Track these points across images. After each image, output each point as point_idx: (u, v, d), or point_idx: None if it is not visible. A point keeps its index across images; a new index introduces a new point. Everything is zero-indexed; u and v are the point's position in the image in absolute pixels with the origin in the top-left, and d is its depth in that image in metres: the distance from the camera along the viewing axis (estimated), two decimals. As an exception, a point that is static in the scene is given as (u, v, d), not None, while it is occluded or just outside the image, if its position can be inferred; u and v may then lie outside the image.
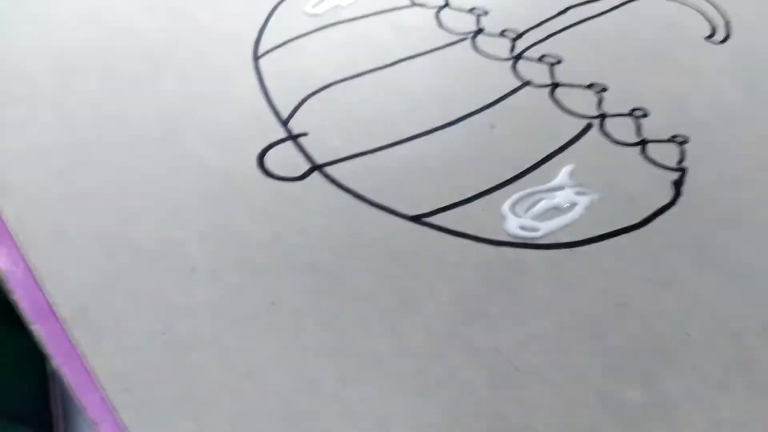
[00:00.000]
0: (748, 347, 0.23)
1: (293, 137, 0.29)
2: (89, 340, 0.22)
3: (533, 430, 0.21)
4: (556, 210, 0.27)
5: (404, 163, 0.28)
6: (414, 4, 0.36)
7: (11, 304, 0.23)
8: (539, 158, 0.29)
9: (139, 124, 0.29)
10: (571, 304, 0.24)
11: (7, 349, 0.26)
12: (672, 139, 0.30)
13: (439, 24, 0.35)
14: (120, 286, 0.23)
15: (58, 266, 0.24)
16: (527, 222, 0.26)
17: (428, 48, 0.34)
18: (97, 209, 0.25)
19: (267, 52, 0.33)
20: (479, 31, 0.35)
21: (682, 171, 0.29)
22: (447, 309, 0.24)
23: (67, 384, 0.20)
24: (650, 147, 0.30)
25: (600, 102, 0.32)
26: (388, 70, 0.33)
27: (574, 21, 0.36)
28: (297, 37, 0.34)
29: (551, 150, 0.29)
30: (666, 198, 0.28)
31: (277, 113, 0.30)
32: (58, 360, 0.21)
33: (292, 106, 0.30)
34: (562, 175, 0.28)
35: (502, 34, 0.35)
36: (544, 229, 0.26)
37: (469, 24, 0.35)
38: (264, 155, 0.28)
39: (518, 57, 0.34)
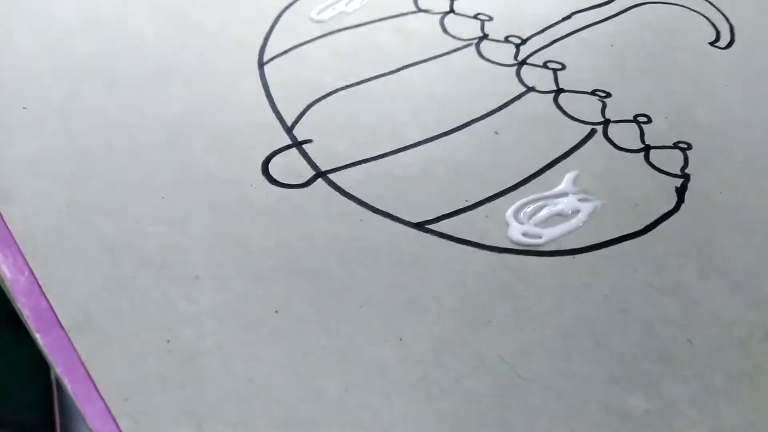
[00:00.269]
0: (752, 354, 0.23)
1: (298, 144, 0.29)
2: (92, 348, 0.22)
3: (536, 438, 0.21)
4: (560, 216, 0.27)
5: (408, 170, 0.29)
6: (419, 10, 0.37)
7: (15, 312, 0.23)
8: (543, 164, 0.29)
9: (144, 132, 0.29)
10: (574, 311, 0.24)
11: (10, 357, 0.26)
12: (675, 146, 0.30)
13: (444, 30, 0.35)
14: (124, 294, 0.23)
15: (62, 274, 0.24)
16: (530, 229, 0.26)
17: (433, 54, 0.34)
18: (102, 217, 0.26)
19: (272, 59, 0.33)
20: (484, 36, 0.35)
21: (686, 177, 0.29)
22: (451, 316, 0.24)
23: (69, 393, 0.21)
24: (654, 153, 0.30)
25: (603, 108, 0.32)
26: (392, 76, 0.33)
27: (579, 27, 0.36)
28: (302, 44, 0.34)
29: (555, 156, 0.29)
30: (669, 204, 0.28)
31: (281, 120, 0.30)
32: (61, 368, 0.21)
33: (297, 113, 0.31)
34: (566, 181, 0.28)
35: (507, 39, 0.35)
36: (547, 236, 0.26)
37: (473, 30, 0.36)
38: (269, 162, 0.28)
39: (522, 63, 0.34)
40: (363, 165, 0.29)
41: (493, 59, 0.34)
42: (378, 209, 0.27)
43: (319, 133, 0.30)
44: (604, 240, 0.26)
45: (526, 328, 0.23)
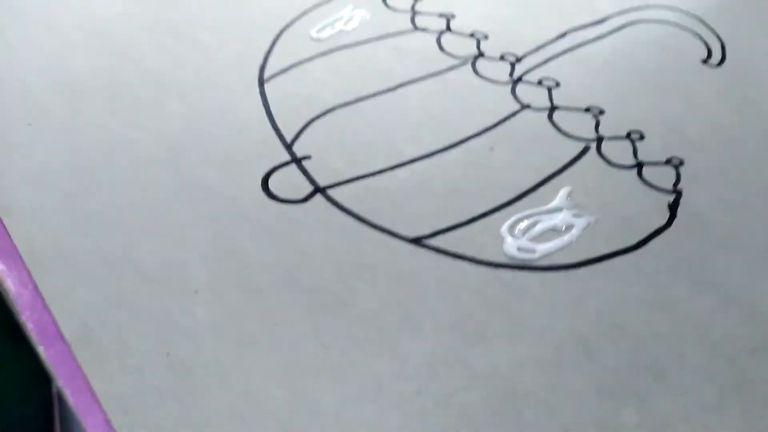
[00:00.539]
0: (743, 369, 0.23)
1: (297, 160, 0.30)
2: (93, 361, 0.22)
3: (530, 451, 0.21)
4: (554, 232, 0.27)
5: (405, 186, 0.29)
6: (416, 29, 0.37)
7: (16, 326, 0.24)
8: (537, 180, 0.30)
9: (144, 147, 0.29)
10: (568, 325, 0.24)
11: (11, 371, 0.26)
12: (668, 162, 0.31)
13: (441, 48, 0.36)
14: (124, 307, 0.24)
15: (64, 288, 0.24)
16: (525, 243, 0.27)
17: (429, 72, 0.35)
18: (103, 231, 0.26)
19: (272, 77, 0.34)
20: (479, 55, 0.36)
21: (678, 194, 0.29)
22: (446, 330, 0.24)
23: (71, 405, 0.21)
24: (646, 169, 0.30)
25: (597, 125, 0.32)
26: (390, 93, 0.33)
27: (573, 45, 0.37)
28: (301, 62, 0.35)
29: (549, 172, 0.30)
30: (662, 220, 0.28)
31: (281, 136, 0.31)
32: (63, 381, 0.22)
33: (297, 130, 0.31)
34: (560, 197, 0.29)
35: (502, 58, 0.36)
36: (540, 251, 0.27)
37: (469, 48, 0.36)
38: (268, 178, 0.29)
39: (518, 80, 0.35)
40: (361, 181, 0.29)
41: (488, 77, 0.35)
42: (375, 224, 0.27)
43: (318, 150, 0.30)
44: (597, 255, 0.27)
45: (520, 343, 0.24)
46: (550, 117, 0.33)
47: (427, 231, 0.27)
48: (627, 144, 0.32)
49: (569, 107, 0.33)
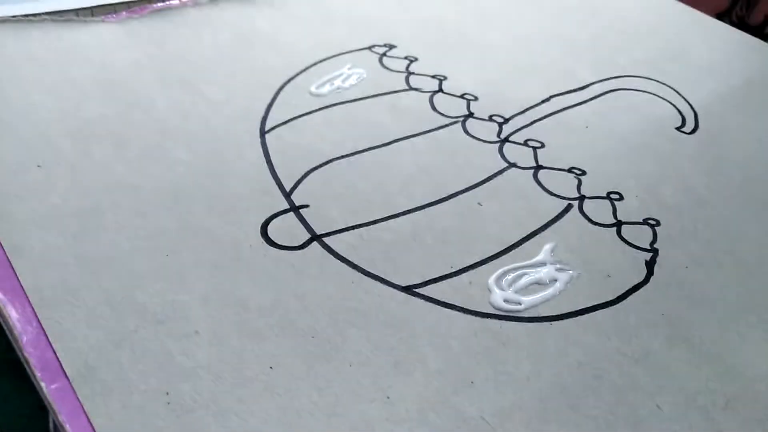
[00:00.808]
0: (715, 420, 0.24)
1: (295, 208, 0.31)
2: (94, 398, 0.23)
3: (515, 497, 0.22)
4: (539, 285, 0.29)
5: (398, 236, 0.30)
6: (410, 89, 0.39)
7: (14, 362, 0.24)
8: (523, 235, 0.31)
9: (150, 192, 0.31)
10: (551, 376, 0.25)
11: (12, 405, 0.27)
12: (645, 222, 0.33)
13: (433, 107, 0.38)
14: (126, 347, 0.25)
15: (68, 326, 0.25)
16: (511, 296, 0.28)
17: (422, 129, 0.37)
18: (107, 273, 0.27)
19: (273, 128, 0.35)
20: (469, 115, 0.38)
21: (655, 252, 0.31)
22: (435, 377, 0.25)
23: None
24: (625, 228, 0.32)
25: (579, 185, 0.34)
26: (384, 148, 0.35)
27: (557, 109, 0.39)
28: (301, 115, 0.36)
29: (534, 228, 0.32)
30: (640, 276, 0.30)
31: (281, 185, 0.32)
32: (64, 417, 0.22)
33: (296, 179, 0.33)
34: (544, 252, 0.30)
35: (491, 118, 0.38)
36: (526, 303, 0.28)
37: (460, 108, 0.38)
38: (267, 224, 0.30)
39: (505, 140, 0.37)
40: (356, 230, 0.30)
41: (477, 136, 0.37)
42: (369, 272, 0.29)
43: (316, 199, 0.32)
44: (579, 308, 0.28)
45: (506, 391, 0.25)
46: (535, 176, 0.35)
47: (418, 280, 0.28)
48: (607, 203, 0.33)
49: (553, 167, 0.35)
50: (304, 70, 0.39)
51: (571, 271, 0.30)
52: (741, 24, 0.54)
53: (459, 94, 0.39)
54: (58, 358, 0.24)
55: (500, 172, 0.35)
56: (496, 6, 0.48)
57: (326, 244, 0.30)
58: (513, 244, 0.31)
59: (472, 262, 0.30)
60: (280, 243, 0.29)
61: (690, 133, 0.39)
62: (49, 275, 0.26)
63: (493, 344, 0.26)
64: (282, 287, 0.27)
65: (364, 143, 0.35)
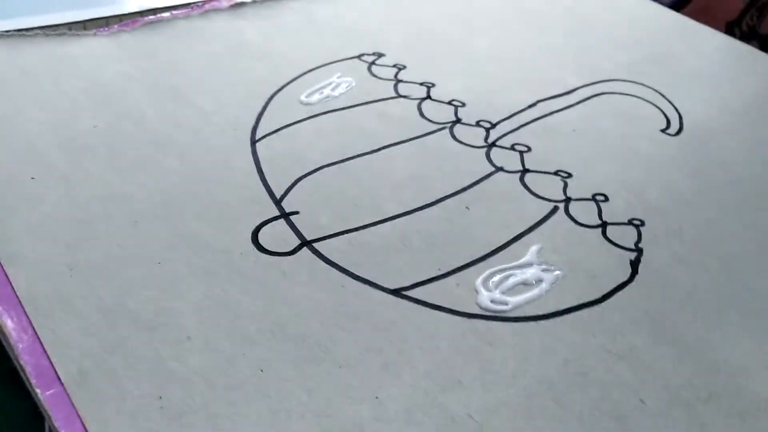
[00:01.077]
0: (699, 414, 0.25)
1: (286, 215, 0.32)
2: (88, 404, 0.23)
3: (502, 493, 0.23)
4: (525, 285, 0.29)
5: (387, 241, 0.31)
6: (399, 96, 0.40)
7: (8, 370, 0.25)
8: (509, 238, 0.32)
9: (141, 201, 0.31)
10: (537, 373, 0.26)
11: (8, 412, 0.27)
12: (630, 222, 0.33)
13: (421, 114, 0.39)
14: (119, 353, 0.25)
15: (62, 334, 0.25)
16: (498, 296, 0.29)
17: (411, 135, 0.37)
18: (100, 281, 0.27)
19: (263, 137, 0.36)
20: (457, 121, 0.39)
21: (639, 251, 0.32)
22: (423, 377, 0.25)
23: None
24: (610, 229, 0.33)
25: (565, 187, 0.35)
26: (374, 155, 0.36)
27: (543, 113, 0.40)
28: (291, 124, 0.37)
29: (520, 230, 0.32)
30: (624, 276, 0.30)
31: (271, 193, 0.33)
32: (59, 423, 0.23)
33: (286, 187, 0.33)
34: (530, 253, 0.31)
35: (478, 124, 0.39)
36: (513, 303, 0.28)
37: (448, 114, 0.39)
38: (258, 231, 0.31)
39: (492, 145, 0.37)
40: (345, 235, 0.31)
41: (465, 141, 0.37)
42: (358, 276, 0.29)
43: (306, 206, 0.32)
44: (565, 307, 0.29)
45: (493, 389, 0.25)
46: (521, 179, 0.35)
47: (407, 283, 0.29)
48: (592, 205, 0.34)
49: (539, 170, 0.36)
50: (293, 80, 0.40)
51: (557, 272, 0.30)
52: (751, 33, 0.54)
53: (447, 101, 0.40)
54: (53, 366, 0.24)
55: (487, 176, 0.35)
56: (484, 15, 0.49)
57: (316, 250, 0.30)
58: (500, 247, 0.31)
59: (459, 265, 0.30)
60: (270, 249, 0.30)
61: (675, 135, 0.40)
62: (43, 284, 0.27)
63: (480, 344, 0.27)
64: (273, 293, 0.28)
65: (354, 150, 0.36)
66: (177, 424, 0.23)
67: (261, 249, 0.30)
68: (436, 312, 0.28)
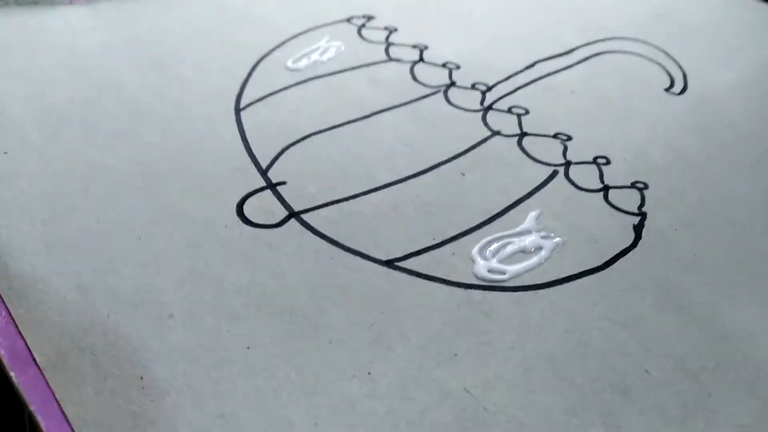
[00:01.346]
0: (705, 384, 0.24)
1: (272, 186, 0.30)
2: (67, 386, 0.22)
3: (500, 469, 0.22)
4: (523, 253, 0.28)
5: (378, 210, 0.30)
6: (390, 60, 0.38)
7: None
8: (507, 204, 0.30)
9: (121, 175, 0.30)
10: (536, 344, 0.25)
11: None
12: (632, 185, 0.32)
13: (414, 78, 0.37)
14: (98, 332, 0.24)
15: (38, 314, 0.24)
16: (495, 265, 0.27)
17: (403, 100, 0.36)
18: (78, 258, 0.26)
19: (248, 105, 0.34)
20: (451, 84, 0.37)
21: (643, 215, 0.30)
22: (417, 351, 0.24)
23: (42, 431, 0.21)
24: (612, 193, 0.31)
25: (565, 150, 0.33)
26: (364, 121, 0.34)
27: (541, 74, 0.38)
28: (278, 91, 0.35)
29: (519, 196, 0.31)
30: (627, 241, 0.29)
31: (257, 163, 0.31)
32: (35, 406, 0.22)
33: (272, 156, 0.32)
34: (529, 220, 0.30)
35: (473, 86, 0.37)
36: (510, 272, 0.27)
37: (442, 77, 0.37)
38: (243, 203, 0.29)
39: (488, 108, 0.36)
40: (335, 205, 0.30)
41: (460, 105, 0.36)
42: (349, 248, 0.28)
43: (293, 176, 0.31)
44: (565, 276, 0.27)
45: (490, 362, 0.24)
46: (519, 143, 0.34)
47: (399, 253, 0.28)
48: (593, 168, 0.33)
49: (538, 134, 0.34)
50: (279, 45, 0.38)
51: (557, 239, 0.29)
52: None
53: (440, 63, 0.38)
54: (28, 347, 0.23)
55: (484, 140, 0.34)
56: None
57: (304, 221, 0.29)
58: (497, 214, 0.30)
59: (454, 233, 0.29)
60: (256, 221, 0.29)
61: (678, 94, 0.38)
62: (17, 263, 0.26)
63: (476, 315, 0.26)
64: (258, 266, 0.27)
65: (343, 117, 0.34)
66: (159, 404, 0.22)
67: (246, 221, 0.28)
68: (431, 283, 0.27)
